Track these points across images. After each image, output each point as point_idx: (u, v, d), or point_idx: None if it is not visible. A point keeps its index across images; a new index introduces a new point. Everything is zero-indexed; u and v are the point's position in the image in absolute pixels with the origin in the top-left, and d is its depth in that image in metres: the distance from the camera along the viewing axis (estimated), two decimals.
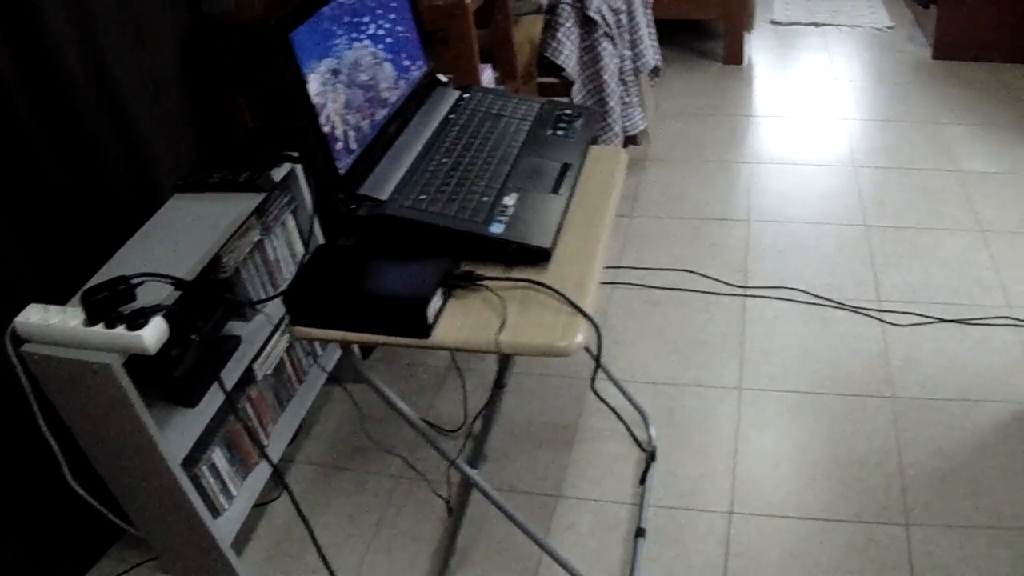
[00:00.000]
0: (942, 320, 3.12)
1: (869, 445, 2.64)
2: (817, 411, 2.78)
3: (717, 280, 3.34)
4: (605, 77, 3.27)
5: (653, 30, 3.90)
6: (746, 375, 2.92)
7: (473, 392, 2.94)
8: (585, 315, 1.53)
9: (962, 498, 2.47)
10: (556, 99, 2.13)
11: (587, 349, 2.42)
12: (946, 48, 4.98)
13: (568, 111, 2.04)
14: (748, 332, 3.10)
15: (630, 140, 3.72)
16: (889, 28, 5.50)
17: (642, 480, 2.56)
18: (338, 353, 2.82)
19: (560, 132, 1.96)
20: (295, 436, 2.75)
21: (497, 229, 1.64)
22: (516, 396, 2.88)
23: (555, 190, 1.77)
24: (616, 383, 2.66)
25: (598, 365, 1.80)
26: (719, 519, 2.44)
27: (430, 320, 1.53)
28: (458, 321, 1.55)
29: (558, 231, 1.70)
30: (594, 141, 3.39)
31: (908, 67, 4.93)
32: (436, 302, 1.55)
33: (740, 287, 3.30)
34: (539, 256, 1.64)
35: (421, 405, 2.89)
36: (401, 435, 2.78)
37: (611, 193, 1.87)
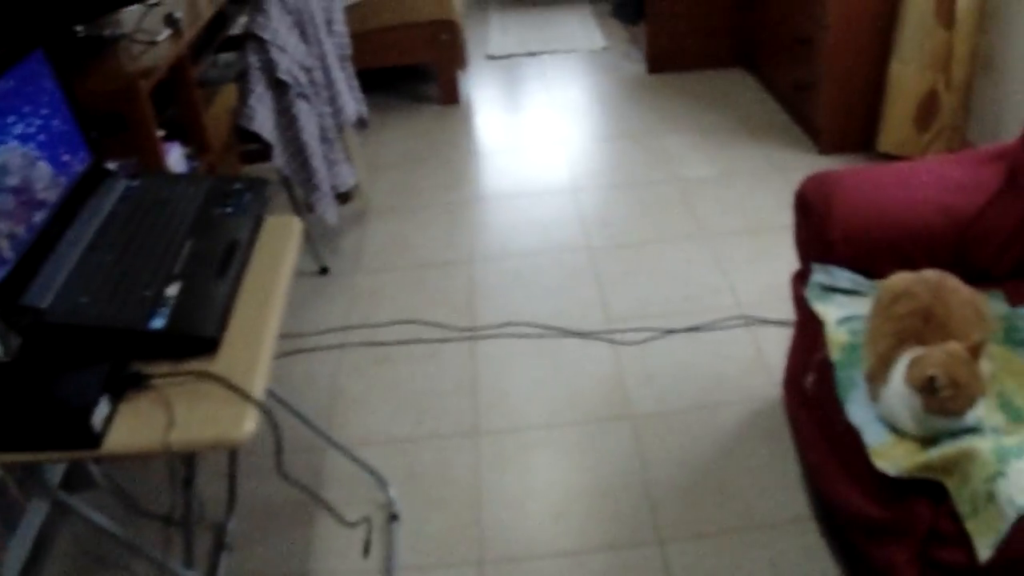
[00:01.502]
0: (673, 331, 3.24)
1: (613, 469, 2.71)
2: (557, 444, 2.85)
3: (445, 326, 3.39)
4: (305, 137, 3.28)
5: (355, 82, 3.93)
6: (482, 419, 2.97)
7: (209, 482, 2.88)
8: (252, 401, 1.52)
9: (712, 506, 2.57)
10: (226, 176, 2.12)
11: (307, 423, 2.41)
12: (659, 61, 5.22)
13: (238, 186, 2.04)
14: (480, 375, 3.15)
15: (343, 197, 3.74)
16: (604, 48, 5.71)
17: (366, 550, 2.56)
18: (63, 465, 2.71)
19: (229, 209, 1.96)
20: (34, 557, 2.63)
21: (159, 323, 1.63)
22: (253, 477, 2.84)
23: (221, 273, 1.77)
24: (345, 451, 2.66)
25: (279, 451, 1.79)
26: (471, 571, 2.47)
27: (97, 429, 1.50)
28: (129, 425, 1.53)
29: (225, 315, 1.69)
30: (310, 207, 3.41)
31: (624, 84, 5.14)
32: (103, 409, 1.52)
33: (468, 330, 3.36)
34: (205, 346, 1.63)
35: (168, 499, 2.81)
36: (145, 536, 2.69)
37: (282, 267, 1.87)
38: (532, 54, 5.69)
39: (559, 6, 6.43)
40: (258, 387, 1.55)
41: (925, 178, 2.58)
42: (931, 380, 1.89)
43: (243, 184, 2.05)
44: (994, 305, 2.43)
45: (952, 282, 2.20)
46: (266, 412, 1.52)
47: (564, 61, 5.58)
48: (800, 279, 2.58)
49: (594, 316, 3.35)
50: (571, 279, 3.55)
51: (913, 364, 1.99)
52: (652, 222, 3.85)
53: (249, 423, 1.49)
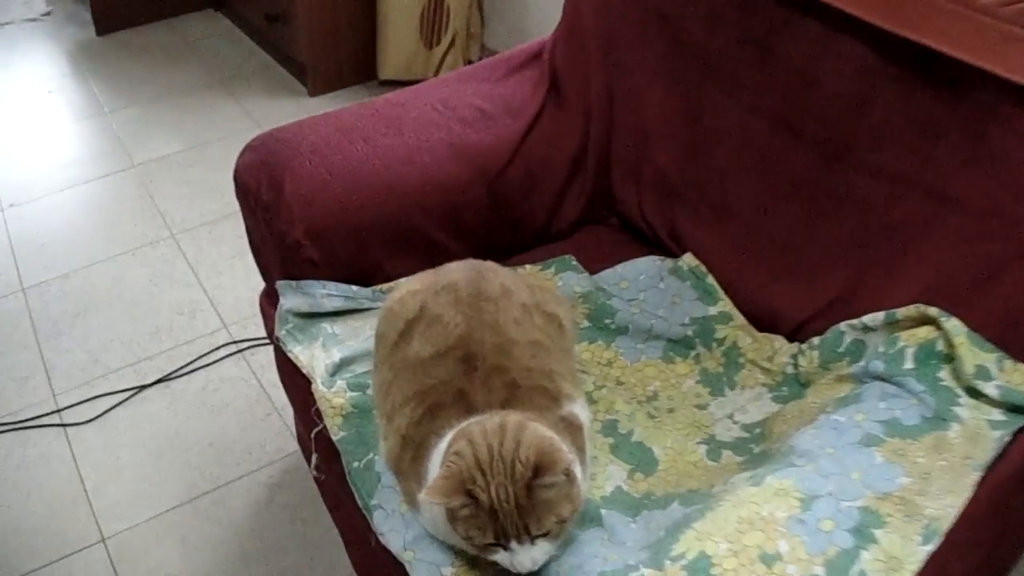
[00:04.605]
0: (144, 387, 2.11)
1: None
2: None
3: None
4: None
5: None
6: None
7: None
8: None
9: None
10: None
11: None
12: (109, 19, 3.96)
13: None
14: None
15: None
16: (46, 15, 4.34)
17: None
18: None
19: None
20: None
21: None
22: None
23: None
24: None
25: None
26: None
27: None
28: None
29: None
30: None
31: (69, 55, 3.79)
32: None
33: None
34: None
35: None
36: None
37: None
38: None
39: None
40: None
41: (429, 112, 1.59)
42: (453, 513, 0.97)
43: None
44: (568, 281, 1.49)
45: (495, 280, 1.20)
46: None
47: None
48: (270, 302, 1.50)
49: (36, 390, 2.18)
50: (2, 341, 2.28)
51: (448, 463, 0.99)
52: (105, 232, 2.65)
53: None
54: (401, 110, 1.60)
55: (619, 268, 1.59)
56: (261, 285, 1.69)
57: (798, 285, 1.48)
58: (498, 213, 1.59)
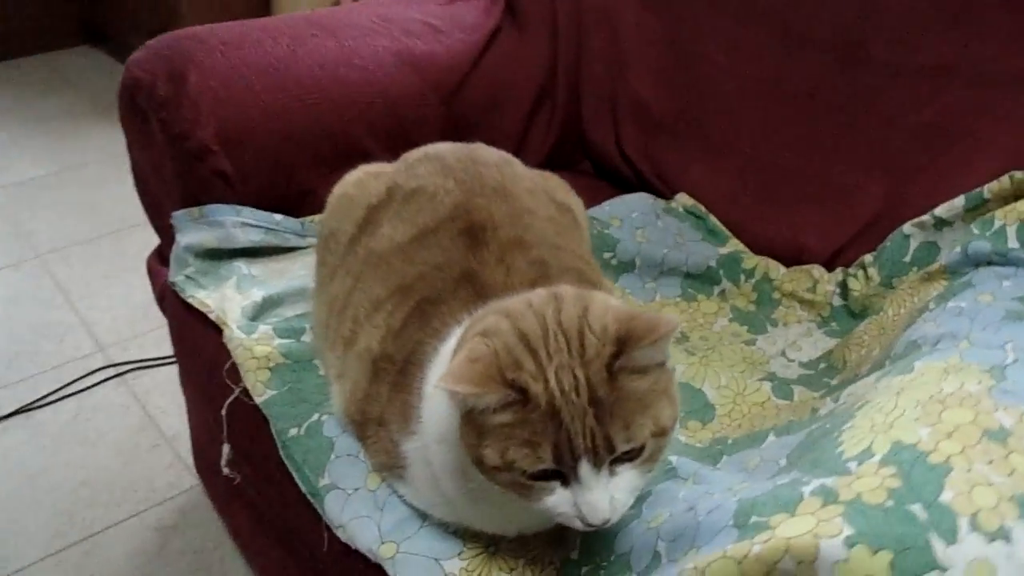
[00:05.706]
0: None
1: None
2: None
3: None
4: None
5: None
6: None
7: None
8: None
9: None
10: None
11: None
12: None
13: None
14: None
15: None
16: None
17: None
18: None
19: None
20: None
21: None
22: None
23: None
24: None
25: None
26: None
27: None
28: None
29: None
30: None
31: None
32: None
33: None
34: None
35: None
36: None
37: None
38: None
39: None
40: None
41: (367, 22, 1.22)
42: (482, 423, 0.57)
43: None
44: None
45: (490, 151, 0.83)
46: None
47: None
48: (161, 260, 1.08)
49: None
50: None
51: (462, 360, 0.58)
52: None
53: None
54: (332, 20, 1.24)
55: (606, 205, 1.25)
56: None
57: (825, 210, 1.19)
58: (456, 138, 1.22)
